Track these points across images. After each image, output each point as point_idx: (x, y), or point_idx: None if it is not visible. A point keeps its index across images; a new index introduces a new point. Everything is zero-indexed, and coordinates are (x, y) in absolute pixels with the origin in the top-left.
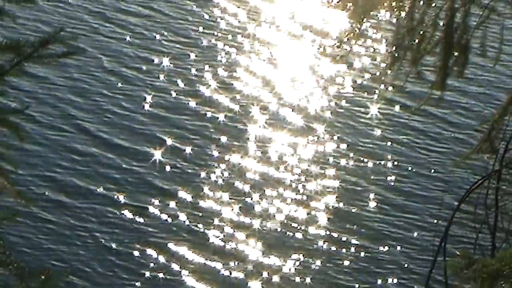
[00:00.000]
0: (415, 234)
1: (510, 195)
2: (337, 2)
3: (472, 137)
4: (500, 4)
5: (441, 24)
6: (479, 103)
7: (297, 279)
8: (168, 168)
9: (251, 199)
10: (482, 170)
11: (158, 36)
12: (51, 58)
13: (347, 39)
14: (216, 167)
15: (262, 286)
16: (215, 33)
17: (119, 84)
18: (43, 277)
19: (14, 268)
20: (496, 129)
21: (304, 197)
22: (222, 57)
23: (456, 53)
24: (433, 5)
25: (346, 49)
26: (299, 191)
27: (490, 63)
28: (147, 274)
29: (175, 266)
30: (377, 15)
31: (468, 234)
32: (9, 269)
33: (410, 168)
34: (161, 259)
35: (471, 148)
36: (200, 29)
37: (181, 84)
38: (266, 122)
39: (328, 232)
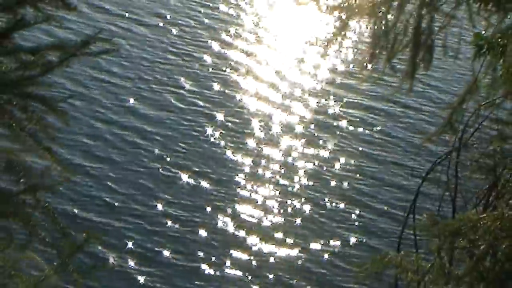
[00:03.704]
0: (391, 200)
1: (467, 168)
2: (327, 9)
3: (434, 125)
4: (459, 12)
5: (411, 28)
6: (441, 92)
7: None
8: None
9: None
10: (444, 148)
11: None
12: (90, 55)
13: (335, 40)
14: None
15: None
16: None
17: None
18: (83, 235)
19: (59, 228)
20: (455, 115)
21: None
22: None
23: (422, 52)
24: (404, 12)
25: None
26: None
27: (450, 60)
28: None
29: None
30: (358, 20)
31: (433, 200)
32: (55, 228)
33: (386, 147)
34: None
35: (435, 129)
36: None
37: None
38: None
39: (309, 200)
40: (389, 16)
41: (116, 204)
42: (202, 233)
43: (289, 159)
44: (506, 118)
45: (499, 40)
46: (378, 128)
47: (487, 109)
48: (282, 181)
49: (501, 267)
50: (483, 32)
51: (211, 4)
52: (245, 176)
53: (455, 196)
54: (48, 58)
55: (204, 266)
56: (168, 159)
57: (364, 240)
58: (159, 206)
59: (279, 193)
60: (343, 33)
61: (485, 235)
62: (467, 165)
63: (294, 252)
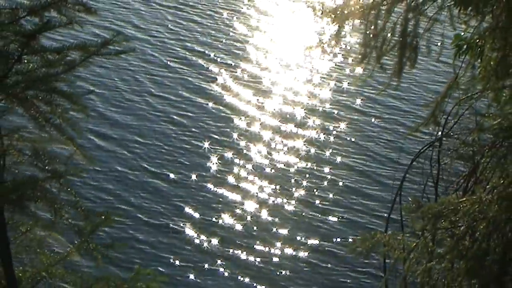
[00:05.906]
0: (379, 185)
1: (449, 157)
2: (322, 13)
3: (419, 117)
4: (442, 16)
5: (398, 30)
6: (426, 89)
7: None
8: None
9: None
10: (428, 138)
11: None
12: (109, 55)
13: (330, 42)
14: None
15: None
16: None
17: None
18: (103, 217)
19: (81, 210)
20: (438, 108)
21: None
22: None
23: (409, 52)
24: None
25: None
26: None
27: (434, 59)
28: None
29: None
30: (351, 23)
31: (418, 185)
32: (78, 210)
33: (375, 137)
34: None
35: (420, 122)
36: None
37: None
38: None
39: (297, 198)
40: (378, 20)
41: (105, 202)
42: (196, 231)
43: (277, 158)
44: (483, 111)
45: (477, 41)
46: (368, 126)
47: (467, 103)
48: (270, 180)
49: (479, 246)
50: (463, 33)
51: (204, 9)
52: (235, 177)
53: (438, 181)
54: (71, 57)
55: (195, 264)
56: (157, 159)
57: (357, 220)
58: (150, 204)
59: (268, 192)
60: (336, 36)
61: (465, 217)
62: (448, 154)
63: (284, 250)
